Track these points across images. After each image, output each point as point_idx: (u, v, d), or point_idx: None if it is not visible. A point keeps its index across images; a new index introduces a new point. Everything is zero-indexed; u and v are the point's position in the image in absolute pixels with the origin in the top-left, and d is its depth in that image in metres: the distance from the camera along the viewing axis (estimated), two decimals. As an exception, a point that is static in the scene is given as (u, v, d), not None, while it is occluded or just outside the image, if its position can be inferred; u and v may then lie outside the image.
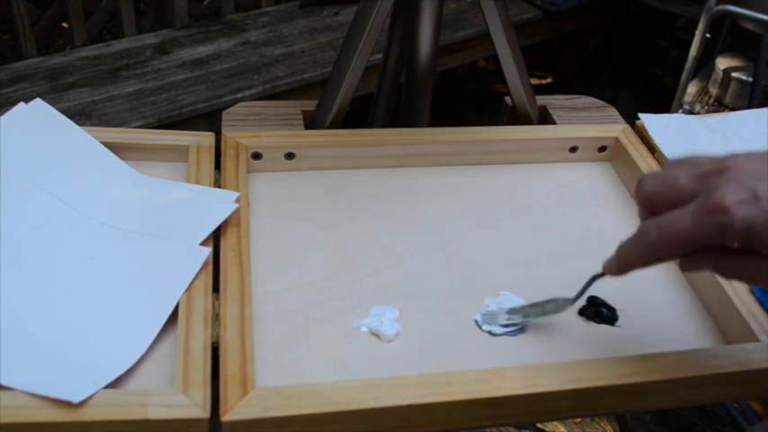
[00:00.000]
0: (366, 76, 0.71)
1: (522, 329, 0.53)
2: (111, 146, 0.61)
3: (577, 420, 1.41)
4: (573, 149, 0.71)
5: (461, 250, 0.60)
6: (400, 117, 0.76)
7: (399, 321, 0.52)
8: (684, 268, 0.45)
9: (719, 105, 1.89)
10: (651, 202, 0.45)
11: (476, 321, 0.53)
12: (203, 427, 0.42)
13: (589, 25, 2.44)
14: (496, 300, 0.55)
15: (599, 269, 0.53)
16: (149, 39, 1.92)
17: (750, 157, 0.41)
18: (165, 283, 0.50)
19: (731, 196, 0.39)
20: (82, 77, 1.72)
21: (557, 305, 0.53)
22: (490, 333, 0.52)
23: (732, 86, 1.86)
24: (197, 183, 0.59)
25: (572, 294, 0.52)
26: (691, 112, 1.86)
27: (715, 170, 0.42)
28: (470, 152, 0.69)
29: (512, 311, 0.53)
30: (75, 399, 0.41)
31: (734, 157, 0.42)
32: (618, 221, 0.65)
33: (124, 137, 0.63)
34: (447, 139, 0.68)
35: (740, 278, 0.44)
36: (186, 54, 1.85)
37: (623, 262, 0.46)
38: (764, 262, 0.41)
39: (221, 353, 0.46)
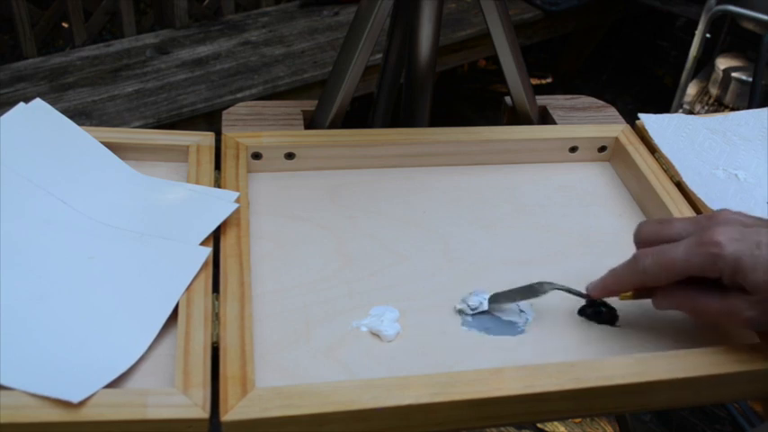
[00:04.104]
0: (366, 76, 0.71)
1: (521, 330, 0.53)
2: (111, 146, 0.61)
3: (577, 420, 1.41)
4: (573, 149, 0.71)
5: (461, 250, 0.60)
6: (400, 117, 0.76)
7: (399, 321, 0.52)
8: (659, 303, 0.50)
9: (719, 105, 1.90)
10: (648, 243, 0.50)
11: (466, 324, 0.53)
12: (203, 427, 0.42)
13: (589, 25, 2.44)
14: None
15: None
16: (149, 39, 1.92)
17: (737, 212, 0.48)
18: (164, 283, 0.50)
19: (723, 234, 0.45)
20: (82, 77, 1.72)
21: (537, 289, 0.54)
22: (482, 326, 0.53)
23: (732, 86, 1.86)
24: (197, 183, 0.59)
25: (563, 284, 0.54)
26: (691, 112, 1.86)
27: (706, 217, 0.49)
28: (470, 152, 0.69)
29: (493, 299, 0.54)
30: (75, 399, 0.41)
31: (722, 210, 0.49)
32: (618, 221, 0.65)
33: (124, 137, 0.63)
34: (447, 139, 0.68)
35: (711, 314, 0.48)
36: (186, 54, 1.85)
37: (614, 284, 0.51)
38: (743, 299, 0.46)
39: (221, 353, 0.46)
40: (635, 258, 0.49)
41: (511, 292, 0.54)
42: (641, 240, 0.51)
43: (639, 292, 0.51)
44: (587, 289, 0.52)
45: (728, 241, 0.45)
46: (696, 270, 0.46)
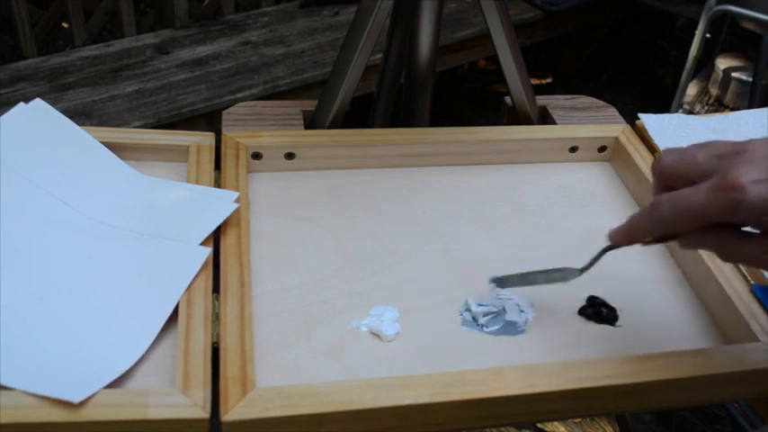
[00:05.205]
0: (366, 76, 0.71)
1: (521, 330, 0.53)
2: (111, 146, 0.61)
3: (577, 420, 1.41)
4: (573, 149, 0.71)
5: (461, 250, 0.60)
6: (400, 117, 0.76)
7: (399, 321, 0.52)
8: (685, 245, 0.46)
9: (719, 105, 1.89)
10: (667, 176, 0.46)
11: (470, 321, 0.53)
12: (203, 427, 0.42)
13: (589, 25, 2.44)
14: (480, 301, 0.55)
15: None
16: (149, 39, 1.92)
17: (767, 142, 0.43)
18: (165, 283, 0.50)
19: (746, 175, 0.40)
20: (82, 77, 1.72)
21: (563, 275, 0.53)
22: (482, 327, 0.53)
23: (732, 86, 1.86)
24: (197, 183, 0.59)
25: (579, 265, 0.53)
26: (691, 112, 1.86)
27: (733, 151, 0.43)
28: (470, 152, 0.69)
29: (501, 282, 0.54)
30: (76, 399, 0.41)
31: (751, 141, 0.43)
32: (618, 221, 0.65)
33: (124, 137, 0.63)
34: (447, 139, 0.68)
35: (741, 260, 0.45)
36: (186, 54, 1.85)
37: (633, 233, 0.47)
38: (766, 244, 0.42)
39: (221, 353, 0.46)
40: (652, 206, 0.45)
41: (521, 276, 0.54)
42: (659, 172, 0.46)
43: (663, 237, 0.48)
44: (609, 235, 0.49)
45: (752, 184, 0.40)
46: (717, 217, 0.42)
